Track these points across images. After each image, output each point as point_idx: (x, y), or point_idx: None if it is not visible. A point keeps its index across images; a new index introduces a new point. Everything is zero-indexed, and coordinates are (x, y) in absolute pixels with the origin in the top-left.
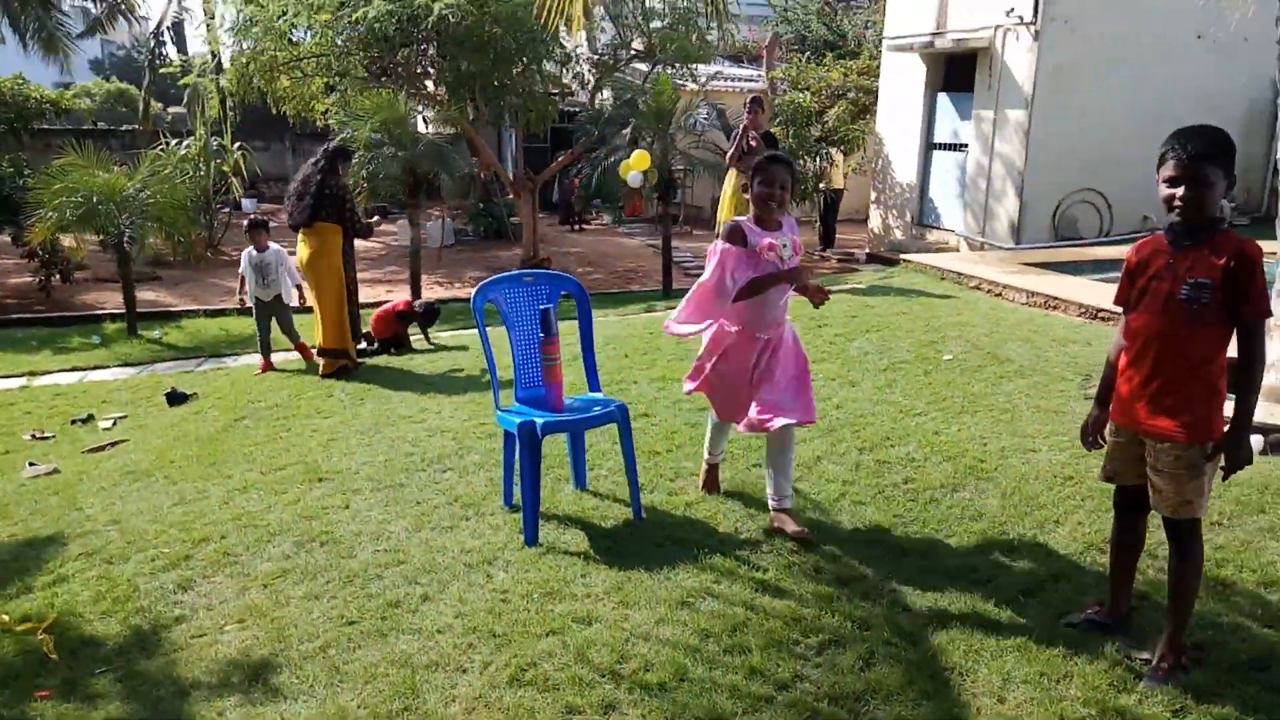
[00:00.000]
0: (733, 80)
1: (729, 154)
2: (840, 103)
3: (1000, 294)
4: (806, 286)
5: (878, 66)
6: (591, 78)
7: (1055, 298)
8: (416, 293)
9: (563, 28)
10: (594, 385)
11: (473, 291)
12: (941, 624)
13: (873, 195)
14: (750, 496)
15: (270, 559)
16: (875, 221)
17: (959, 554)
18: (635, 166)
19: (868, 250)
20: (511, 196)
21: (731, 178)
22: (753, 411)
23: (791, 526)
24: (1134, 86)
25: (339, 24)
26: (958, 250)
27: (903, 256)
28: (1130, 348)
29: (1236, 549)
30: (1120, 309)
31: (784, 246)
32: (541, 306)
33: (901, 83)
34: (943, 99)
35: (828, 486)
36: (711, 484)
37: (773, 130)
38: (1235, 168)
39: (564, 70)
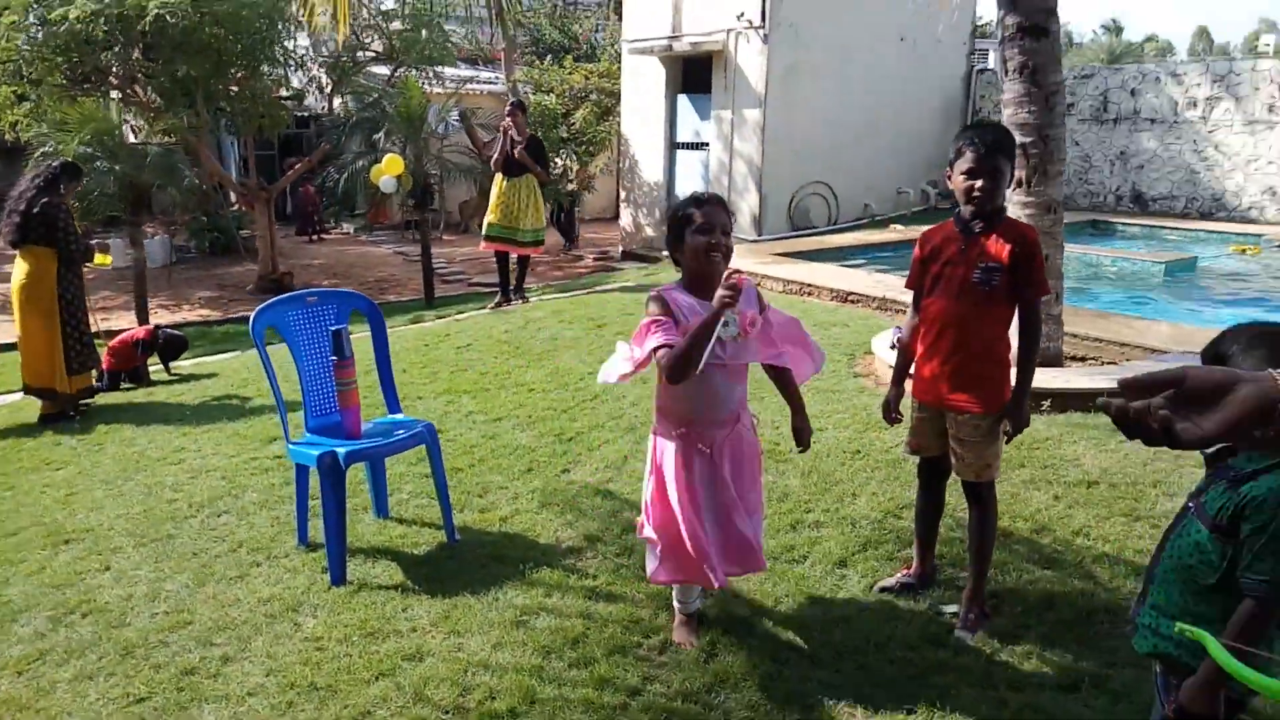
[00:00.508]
0: (475, 83)
1: (493, 159)
2: (585, 105)
3: (759, 284)
4: (797, 414)
5: (618, 69)
6: (329, 81)
7: (809, 284)
8: (144, 318)
9: (294, 27)
10: (394, 407)
11: (247, 315)
12: (772, 607)
13: (622, 194)
14: (563, 503)
15: (20, 640)
16: (626, 220)
17: (774, 534)
18: (388, 171)
19: (621, 249)
20: (239, 208)
21: (498, 183)
22: (719, 558)
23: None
24: (850, 86)
25: (29, 26)
26: None
27: (663, 252)
28: (929, 331)
29: (1008, 501)
30: (910, 290)
31: (725, 324)
32: (333, 328)
33: (643, 84)
34: (683, 100)
35: (637, 484)
36: (689, 633)
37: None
38: (941, 158)
39: (296, 74)
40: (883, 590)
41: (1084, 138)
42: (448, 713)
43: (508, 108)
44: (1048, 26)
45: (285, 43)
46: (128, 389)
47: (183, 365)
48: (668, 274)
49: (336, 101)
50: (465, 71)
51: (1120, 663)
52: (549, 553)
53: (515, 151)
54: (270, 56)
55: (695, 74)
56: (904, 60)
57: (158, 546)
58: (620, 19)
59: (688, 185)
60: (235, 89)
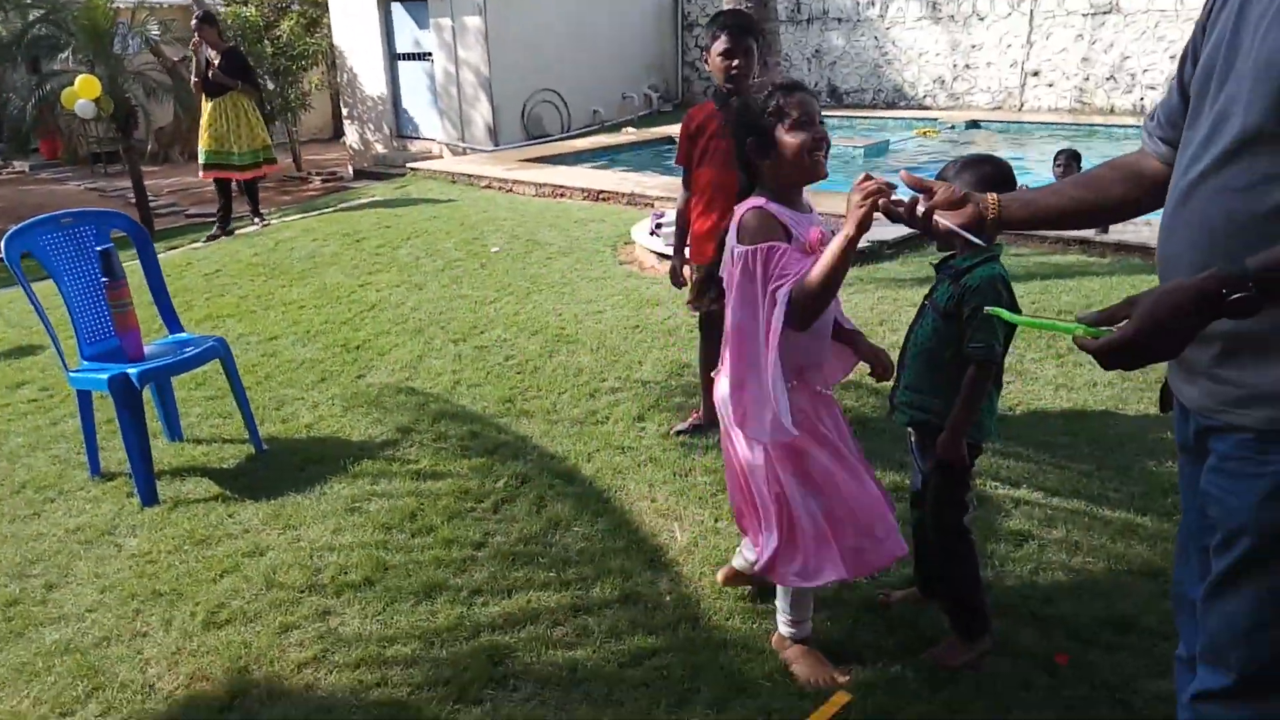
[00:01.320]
0: None
1: (193, 81)
2: (288, 15)
3: (512, 189)
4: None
5: None
6: None
7: (561, 186)
8: None
9: None
10: (174, 326)
11: None
12: (586, 460)
13: (344, 111)
14: (366, 404)
15: None
16: (353, 138)
17: (578, 404)
18: (83, 94)
19: (351, 168)
20: None
21: (206, 108)
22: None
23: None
24: None
25: None
26: (441, 158)
27: (409, 166)
28: (699, 199)
29: None
30: (682, 167)
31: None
32: (100, 248)
33: None
34: (398, 9)
35: (439, 379)
36: (821, 667)
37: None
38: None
39: None
40: (677, 434)
41: (783, 38)
42: (304, 590)
43: (193, 23)
44: None
45: None
46: None
47: None
48: (417, 184)
49: None
50: None
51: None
52: (365, 448)
53: (209, 71)
54: None
55: None
56: None
57: None
58: None
59: (414, 98)
60: None
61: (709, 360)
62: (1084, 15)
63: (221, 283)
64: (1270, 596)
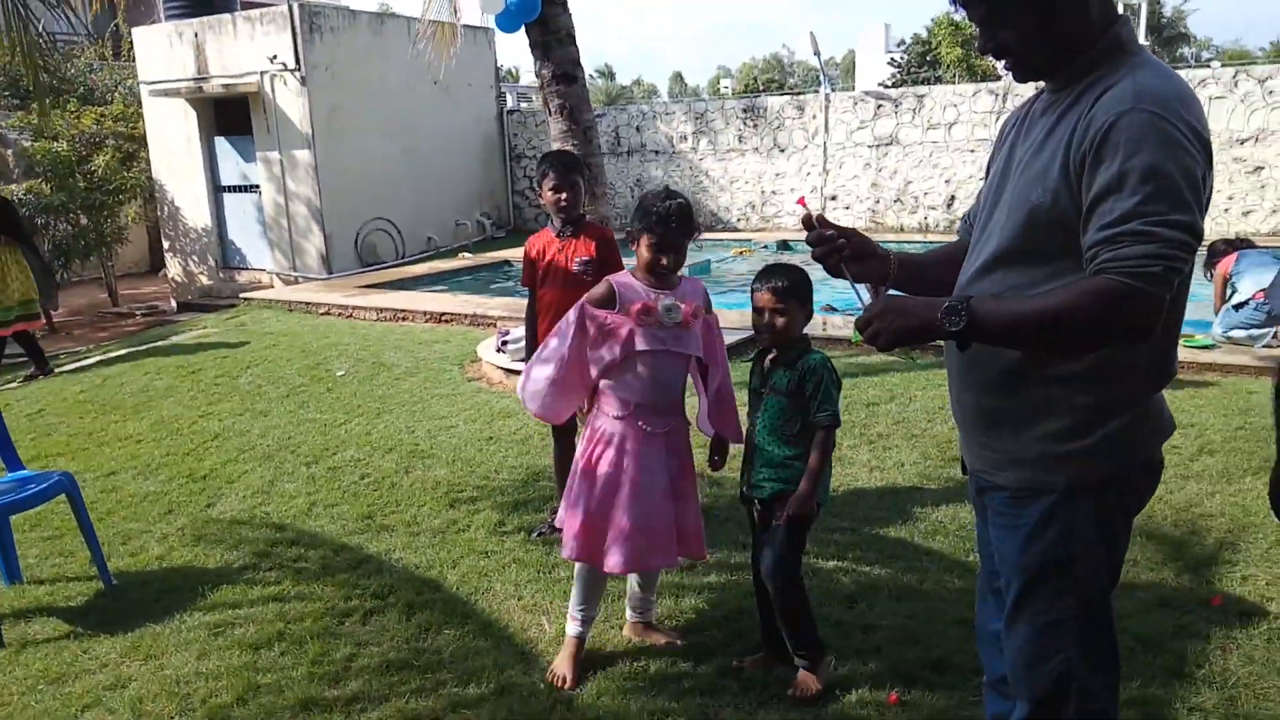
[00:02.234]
0: None
1: None
2: (102, 150)
3: (352, 315)
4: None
5: (135, 112)
6: None
7: (404, 310)
8: None
9: None
10: (14, 465)
11: None
12: (451, 567)
13: (166, 244)
14: (218, 534)
15: None
16: (175, 270)
17: (438, 514)
18: None
19: (174, 301)
20: None
21: None
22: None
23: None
24: (395, 126)
25: None
26: (272, 287)
27: (242, 296)
28: (544, 315)
29: None
30: (526, 287)
31: (669, 311)
32: None
33: (171, 127)
34: (222, 143)
35: (294, 501)
36: (572, 665)
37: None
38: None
39: None
40: (538, 535)
41: (606, 168)
42: (174, 718)
43: None
44: (575, 74)
45: None
46: None
47: None
48: (251, 314)
49: None
50: None
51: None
52: (222, 575)
53: None
54: None
55: (232, 116)
56: (441, 103)
57: None
58: (117, 58)
59: (241, 230)
60: None
61: (564, 463)
62: (869, 146)
63: (47, 421)
64: (1041, 631)
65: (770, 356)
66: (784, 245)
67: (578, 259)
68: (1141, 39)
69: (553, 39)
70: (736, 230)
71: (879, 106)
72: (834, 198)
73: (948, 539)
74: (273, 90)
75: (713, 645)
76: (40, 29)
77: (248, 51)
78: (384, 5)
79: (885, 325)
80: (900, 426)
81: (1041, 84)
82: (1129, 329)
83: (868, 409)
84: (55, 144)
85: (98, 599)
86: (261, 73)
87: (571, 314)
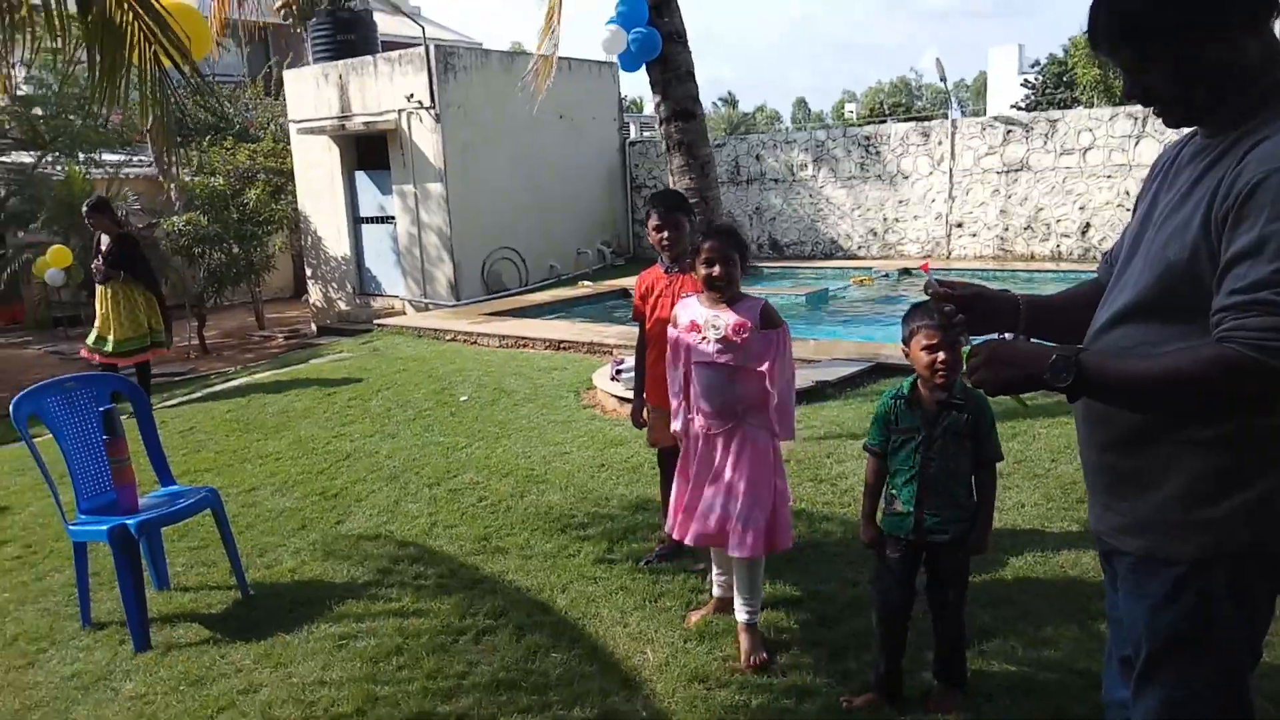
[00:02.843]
0: (130, 167)
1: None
2: (254, 184)
3: (476, 341)
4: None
5: (283, 148)
6: None
7: (524, 338)
8: None
9: None
10: (167, 480)
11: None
12: (560, 591)
13: (309, 271)
14: (346, 550)
15: None
16: (316, 296)
17: (550, 539)
18: (54, 264)
19: (315, 325)
20: None
21: (98, 293)
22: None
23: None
24: (522, 159)
25: None
26: (404, 314)
27: (376, 322)
28: (653, 348)
29: None
30: (636, 321)
31: (714, 326)
32: (103, 408)
33: (316, 163)
34: (361, 176)
35: (416, 521)
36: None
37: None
38: (610, 220)
39: None
40: (646, 564)
41: (725, 197)
42: None
43: (84, 210)
44: (694, 111)
45: None
46: None
47: None
48: (384, 339)
49: None
50: (118, 155)
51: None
52: (348, 589)
53: (93, 265)
54: None
55: (371, 151)
56: (566, 136)
57: None
58: (272, 97)
59: (377, 258)
60: None
61: (669, 492)
62: (998, 173)
63: (197, 439)
64: (1172, 702)
65: (938, 397)
66: (905, 273)
67: (684, 294)
68: None
69: (672, 76)
70: (857, 258)
71: (1009, 131)
72: (960, 225)
73: (1068, 589)
74: (409, 127)
75: (815, 685)
76: (194, 74)
77: (387, 91)
78: (516, 44)
79: (991, 375)
80: (1022, 466)
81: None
82: (1242, 401)
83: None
84: (212, 178)
85: (236, 607)
86: (399, 111)
87: (670, 340)
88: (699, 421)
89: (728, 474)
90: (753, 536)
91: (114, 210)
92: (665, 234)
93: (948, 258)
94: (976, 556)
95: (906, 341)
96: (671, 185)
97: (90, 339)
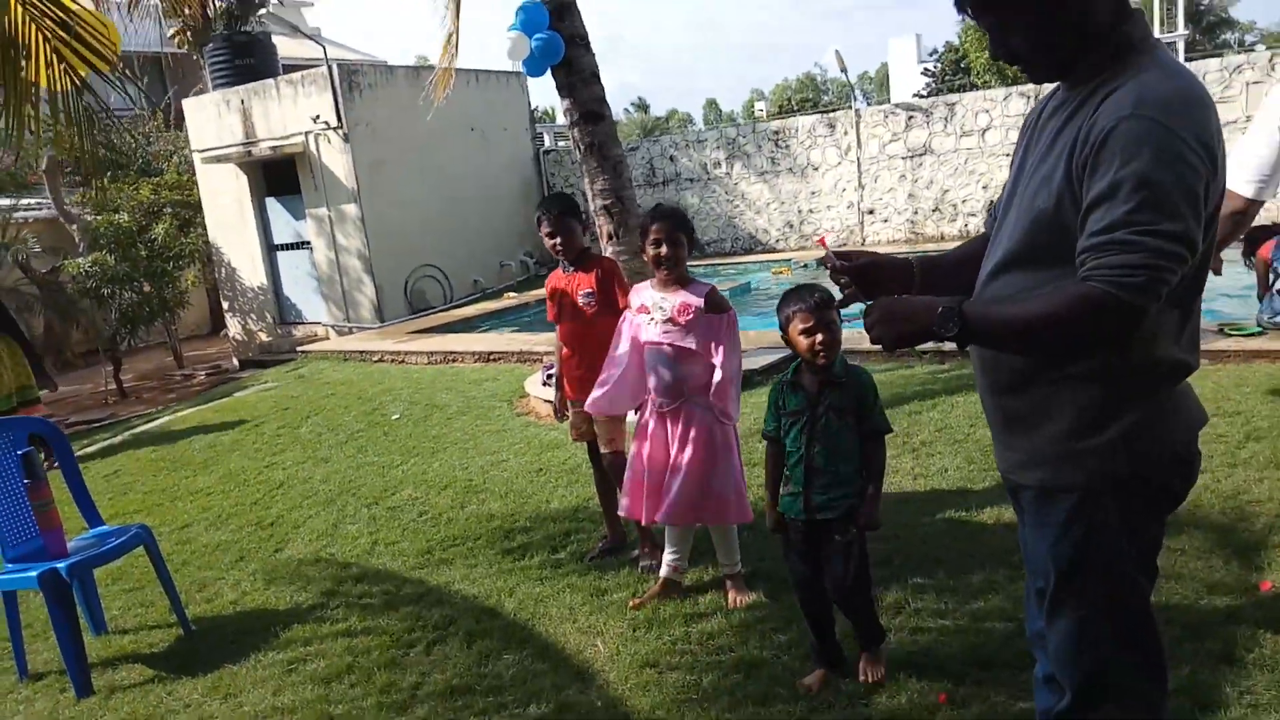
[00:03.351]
0: (17, 211)
1: None
2: (161, 219)
3: (404, 360)
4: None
5: (188, 180)
6: None
7: (453, 352)
8: None
9: None
10: (95, 521)
11: None
12: (509, 595)
13: (225, 304)
14: (288, 576)
15: None
16: (235, 329)
17: (494, 546)
18: None
19: (236, 359)
20: None
21: None
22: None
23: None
24: (436, 174)
25: None
26: (328, 339)
27: (300, 349)
28: (566, 346)
29: None
30: (552, 321)
31: (658, 308)
32: (21, 452)
33: (223, 191)
34: (272, 203)
35: (356, 542)
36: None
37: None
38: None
39: None
40: (591, 560)
41: (641, 199)
42: None
43: None
44: (602, 112)
45: None
46: None
47: None
48: (309, 366)
49: None
50: (10, 200)
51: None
52: (292, 614)
53: None
54: None
55: (280, 176)
56: (478, 148)
57: None
58: (170, 128)
59: (295, 285)
60: None
61: (605, 484)
62: (904, 158)
63: (123, 481)
64: (1078, 625)
65: (821, 377)
66: (821, 263)
67: (581, 291)
68: (1180, 28)
69: (577, 79)
70: (776, 250)
71: (910, 118)
72: (871, 211)
73: (992, 541)
74: (318, 149)
75: (762, 658)
76: (97, 104)
77: (291, 114)
78: (421, 59)
79: (887, 330)
80: (943, 433)
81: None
82: (1107, 336)
83: (910, 417)
84: (117, 215)
85: (178, 644)
86: (306, 133)
87: (621, 322)
88: (651, 401)
89: (686, 450)
90: (717, 503)
91: None
92: (558, 239)
93: (862, 244)
94: (871, 531)
95: (784, 327)
96: (585, 188)
97: None
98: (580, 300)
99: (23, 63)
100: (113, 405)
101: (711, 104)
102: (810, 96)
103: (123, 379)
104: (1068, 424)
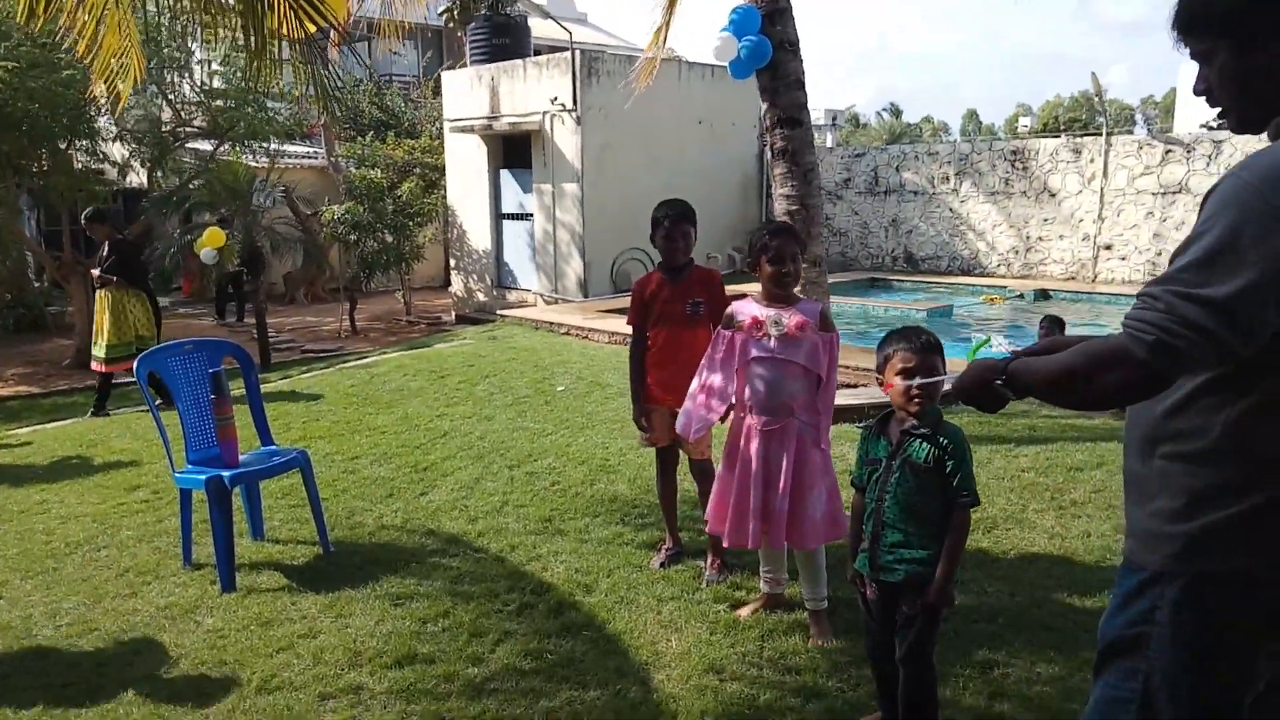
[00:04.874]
0: (293, 157)
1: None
2: (409, 178)
3: (588, 336)
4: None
5: (439, 144)
6: (147, 157)
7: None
8: None
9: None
10: (266, 440)
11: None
12: (606, 575)
13: (452, 263)
14: (424, 518)
15: None
16: (458, 286)
17: (608, 526)
18: (209, 244)
19: (454, 314)
20: (45, 284)
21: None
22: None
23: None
24: (658, 162)
25: None
26: (536, 305)
27: (499, 313)
28: (654, 352)
29: None
30: (632, 326)
31: (776, 323)
32: (211, 370)
33: (466, 160)
34: (505, 174)
35: (490, 499)
36: (822, 631)
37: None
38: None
39: (113, 147)
40: (661, 566)
41: (861, 207)
42: (344, 669)
43: (83, 219)
44: (800, 119)
45: (101, 119)
46: None
47: (20, 432)
48: (503, 330)
49: (158, 174)
50: (285, 146)
51: None
52: (416, 553)
53: (91, 271)
54: (88, 131)
55: (516, 151)
56: (704, 141)
57: (44, 577)
58: (437, 96)
59: (514, 253)
60: (47, 165)
61: (668, 490)
62: (1154, 194)
63: (319, 409)
64: (1104, 704)
65: (904, 426)
66: (1043, 294)
67: (691, 299)
68: None
69: (781, 84)
70: (993, 275)
71: (1168, 151)
72: (1109, 247)
73: None
74: (552, 128)
75: (826, 688)
76: (322, 62)
77: (534, 93)
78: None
79: (955, 384)
80: (1099, 495)
81: None
82: (1119, 391)
83: (1068, 473)
84: (372, 171)
85: (316, 561)
86: (544, 112)
87: (716, 337)
88: (750, 420)
89: (783, 471)
90: (809, 528)
91: (111, 219)
92: (679, 243)
93: (1093, 281)
94: (946, 609)
95: (880, 368)
96: (774, 191)
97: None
98: (688, 308)
99: (267, 13)
100: (344, 339)
101: (971, 114)
102: (1082, 117)
103: (356, 318)
104: (1168, 504)
